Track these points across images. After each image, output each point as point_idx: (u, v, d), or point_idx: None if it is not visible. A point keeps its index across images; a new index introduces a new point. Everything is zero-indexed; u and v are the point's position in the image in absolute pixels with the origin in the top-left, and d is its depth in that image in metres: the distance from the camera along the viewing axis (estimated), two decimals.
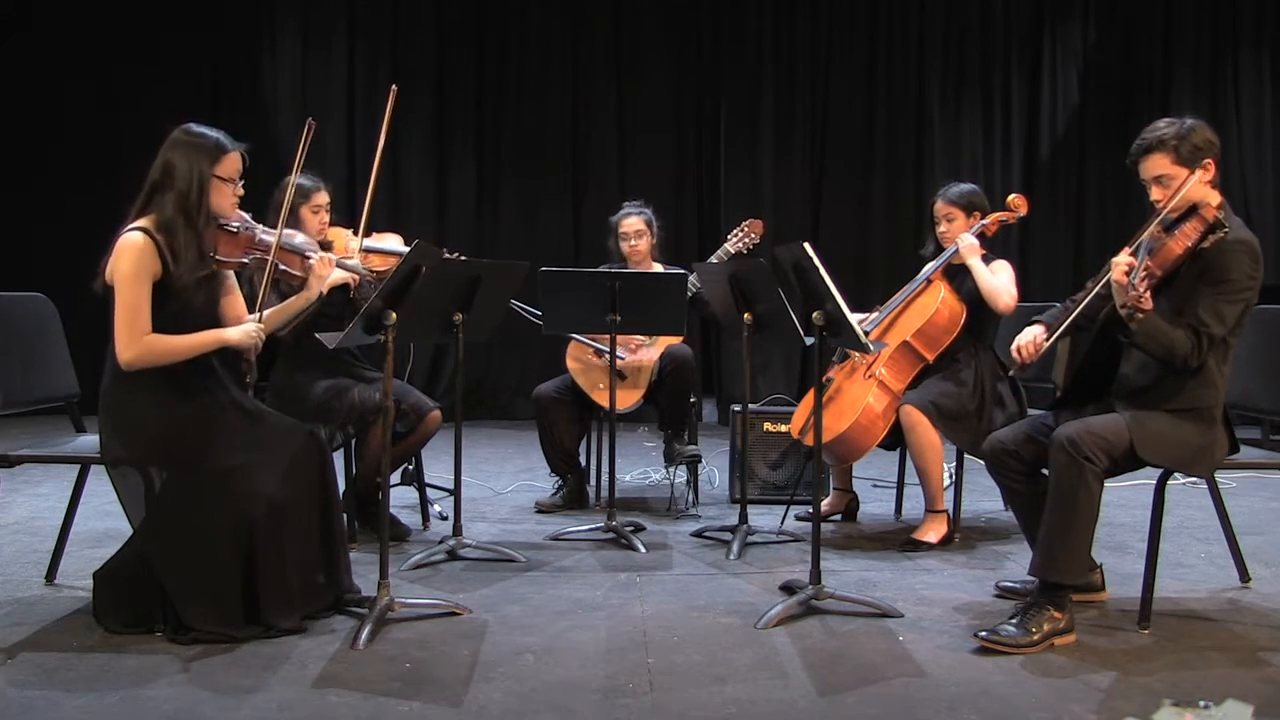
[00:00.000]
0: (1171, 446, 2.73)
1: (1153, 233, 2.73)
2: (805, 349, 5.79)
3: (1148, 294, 2.60)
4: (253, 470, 2.70)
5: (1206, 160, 2.74)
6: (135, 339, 2.67)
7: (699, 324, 6.31)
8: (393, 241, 3.77)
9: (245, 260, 2.87)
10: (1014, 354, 2.93)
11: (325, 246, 3.49)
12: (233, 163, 2.81)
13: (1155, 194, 2.80)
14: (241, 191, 2.86)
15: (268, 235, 2.89)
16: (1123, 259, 2.69)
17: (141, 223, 2.71)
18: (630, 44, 7.38)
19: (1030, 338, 2.92)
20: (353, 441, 3.64)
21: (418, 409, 3.68)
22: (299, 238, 3.06)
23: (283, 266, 2.93)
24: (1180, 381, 2.73)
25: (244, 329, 2.83)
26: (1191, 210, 2.73)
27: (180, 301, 2.74)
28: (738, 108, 7.37)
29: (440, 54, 7.27)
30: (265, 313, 2.92)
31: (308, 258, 3.00)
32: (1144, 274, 2.62)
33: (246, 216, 2.91)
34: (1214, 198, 2.77)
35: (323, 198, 3.67)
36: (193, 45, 7.00)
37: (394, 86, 3.61)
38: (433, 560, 3.39)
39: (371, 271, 3.53)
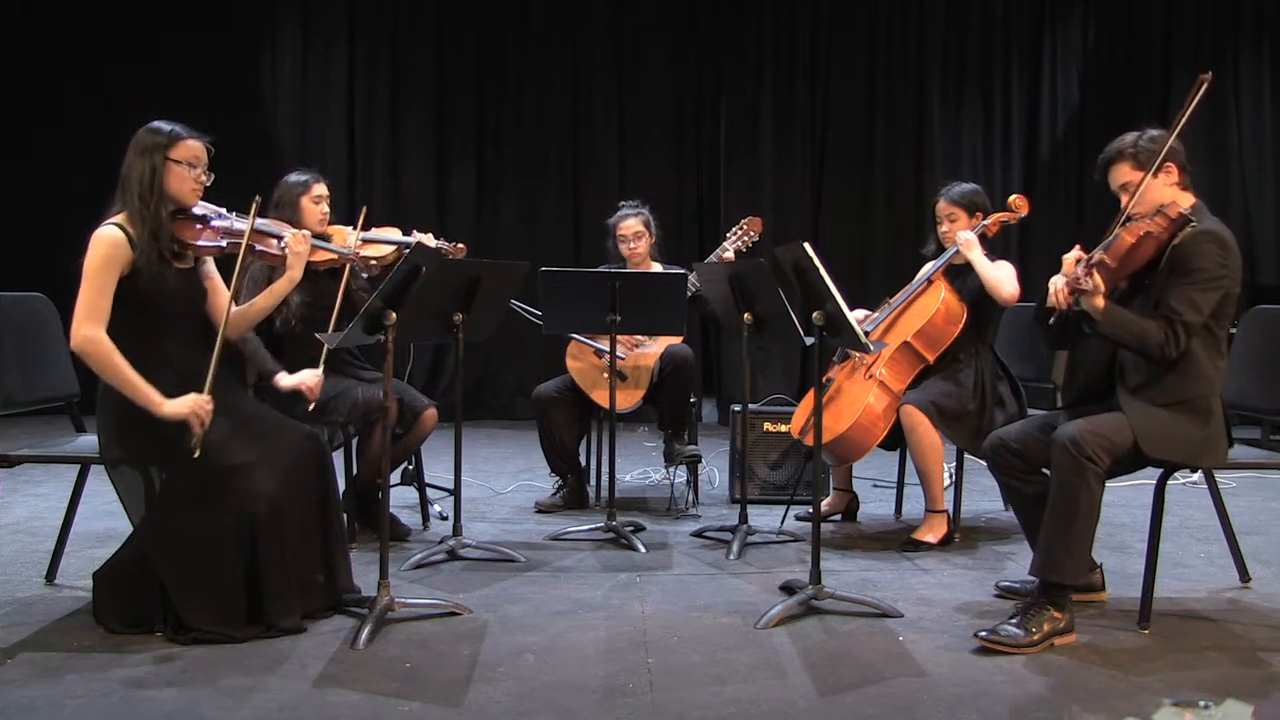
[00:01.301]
0: (1176, 442, 2.74)
1: (1116, 233, 2.77)
2: (805, 349, 5.79)
3: (1093, 277, 2.64)
4: (253, 469, 2.71)
5: (1168, 164, 2.78)
6: (93, 327, 2.68)
7: (699, 324, 6.30)
8: (392, 233, 3.77)
9: (222, 244, 2.87)
10: (1052, 299, 2.78)
11: (324, 240, 3.49)
12: (189, 148, 2.82)
13: (1124, 202, 2.84)
14: (204, 179, 2.86)
15: (240, 223, 2.91)
16: (1073, 253, 2.77)
17: (117, 219, 2.76)
18: (630, 44, 7.37)
19: (1065, 282, 2.78)
20: (353, 441, 3.64)
21: (413, 408, 3.68)
22: (272, 223, 3.08)
23: (259, 248, 2.96)
24: (1170, 375, 2.74)
25: (190, 400, 2.69)
26: (1156, 212, 2.76)
27: (153, 283, 2.75)
28: (738, 108, 7.36)
29: (440, 54, 7.25)
30: (250, 302, 2.98)
31: (282, 237, 3.02)
32: (1094, 262, 2.68)
33: (222, 209, 2.93)
34: (1184, 200, 2.80)
35: (321, 189, 3.67)
36: (193, 45, 6.98)
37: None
38: (433, 560, 3.39)
39: (362, 256, 3.51)
